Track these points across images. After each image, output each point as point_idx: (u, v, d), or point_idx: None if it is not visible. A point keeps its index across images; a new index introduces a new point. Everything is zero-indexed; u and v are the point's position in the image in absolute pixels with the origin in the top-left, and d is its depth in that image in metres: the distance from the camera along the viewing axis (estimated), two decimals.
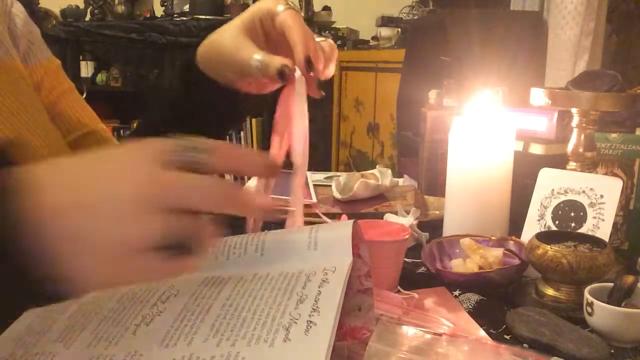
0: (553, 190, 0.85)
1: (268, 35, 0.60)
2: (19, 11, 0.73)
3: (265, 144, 3.21)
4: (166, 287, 0.47)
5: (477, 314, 0.69)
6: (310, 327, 0.41)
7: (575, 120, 0.86)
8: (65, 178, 0.36)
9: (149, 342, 0.42)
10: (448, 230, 0.94)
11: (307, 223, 0.56)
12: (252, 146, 3.24)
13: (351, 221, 0.49)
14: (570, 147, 0.87)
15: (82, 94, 0.80)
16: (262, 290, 0.45)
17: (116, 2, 3.37)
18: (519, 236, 0.86)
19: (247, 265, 0.49)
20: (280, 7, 0.58)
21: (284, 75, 0.56)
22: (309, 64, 0.56)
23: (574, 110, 0.86)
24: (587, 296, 0.65)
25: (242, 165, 0.42)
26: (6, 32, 0.70)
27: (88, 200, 0.35)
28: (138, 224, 0.35)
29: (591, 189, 0.82)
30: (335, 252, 0.48)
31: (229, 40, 0.60)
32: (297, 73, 0.56)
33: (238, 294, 0.45)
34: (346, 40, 3.25)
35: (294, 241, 0.50)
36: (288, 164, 0.58)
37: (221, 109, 0.66)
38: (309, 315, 0.42)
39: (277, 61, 0.56)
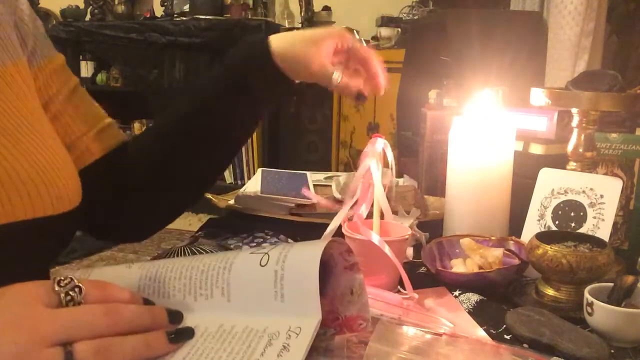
0: (553, 190, 0.85)
1: (342, 56, 0.74)
2: (23, 4, 0.68)
3: (265, 143, 3.21)
4: None
5: (477, 314, 0.69)
6: None
7: (575, 120, 0.86)
8: None
9: None
10: (448, 230, 0.94)
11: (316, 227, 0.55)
12: (252, 146, 3.24)
13: (318, 251, 0.47)
14: (570, 147, 0.87)
15: None
16: (220, 352, 0.44)
17: (116, 2, 3.37)
18: (519, 236, 0.86)
19: (213, 311, 0.48)
20: (361, 41, 0.75)
21: (360, 97, 0.73)
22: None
23: (574, 110, 0.85)
24: (587, 296, 0.65)
25: (117, 295, 0.47)
26: (14, 29, 0.65)
27: None
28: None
29: (591, 189, 0.82)
30: (303, 304, 0.46)
31: (305, 48, 0.70)
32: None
33: (197, 351, 0.45)
34: None
35: (261, 289, 0.48)
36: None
37: (278, 96, 0.78)
38: None
39: (355, 84, 0.73)
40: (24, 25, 0.67)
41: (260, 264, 0.49)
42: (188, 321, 0.48)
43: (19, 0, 0.67)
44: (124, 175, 0.74)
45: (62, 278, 0.45)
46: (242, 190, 1.15)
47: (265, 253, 0.49)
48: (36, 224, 0.54)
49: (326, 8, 3.31)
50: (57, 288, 0.44)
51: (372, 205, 0.73)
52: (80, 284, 0.45)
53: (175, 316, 0.48)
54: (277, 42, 0.71)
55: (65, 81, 0.71)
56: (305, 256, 0.48)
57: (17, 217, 0.53)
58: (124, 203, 0.75)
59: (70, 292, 0.44)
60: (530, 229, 0.85)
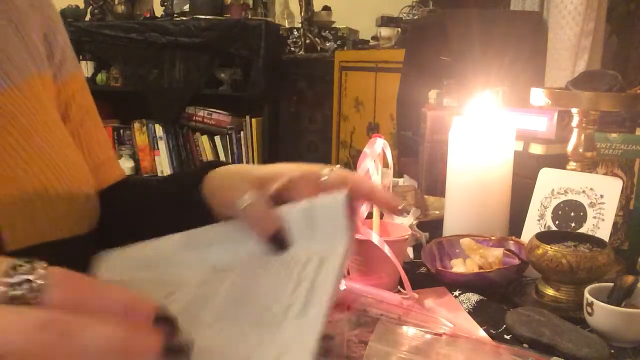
0: (553, 190, 0.85)
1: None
2: (55, 16, 0.64)
3: (265, 143, 3.21)
4: (171, 285, 0.48)
5: (477, 314, 0.69)
6: (305, 308, 0.42)
7: (575, 120, 0.86)
8: None
9: None
10: (448, 230, 0.94)
11: None
12: (252, 146, 3.24)
13: (343, 196, 0.48)
14: (570, 147, 0.87)
15: None
16: (264, 277, 0.46)
17: (116, 2, 3.37)
18: (519, 236, 0.86)
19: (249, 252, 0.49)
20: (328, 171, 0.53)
21: (279, 243, 0.51)
22: None
23: (574, 110, 0.85)
24: (587, 296, 0.65)
25: (92, 301, 0.32)
26: (43, 41, 0.61)
27: None
28: None
29: (591, 189, 0.82)
30: (332, 232, 0.47)
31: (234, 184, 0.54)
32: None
33: (243, 280, 0.46)
34: (346, 40, 3.25)
35: (290, 222, 0.49)
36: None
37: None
38: (306, 296, 0.42)
39: (272, 220, 0.51)
40: (54, 38, 0.63)
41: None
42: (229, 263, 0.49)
43: (51, 12, 0.64)
44: (110, 214, 0.65)
45: (22, 263, 0.31)
46: None
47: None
48: (62, 245, 0.53)
49: (326, 8, 3.31)
50: (5, 276, 0.30)
51: (372, 206, 0.73)
52: (43, 278, 0.30)
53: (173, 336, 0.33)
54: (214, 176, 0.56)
55: (82, 105, 0.67)
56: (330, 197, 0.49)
57: (44, 238, 0.51)
58: (113, 238, 0.64)
59: (21, 285, 0.30)
60: (530, 229, 0.85)
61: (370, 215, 0.75)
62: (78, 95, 0.66)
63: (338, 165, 0.53)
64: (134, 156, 3.34)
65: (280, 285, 0.45)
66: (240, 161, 3.28)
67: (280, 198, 0.51)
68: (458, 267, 0.80)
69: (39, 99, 0.57)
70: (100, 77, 3.34)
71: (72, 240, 0.55)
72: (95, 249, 0.54)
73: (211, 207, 0.54)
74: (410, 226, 0.87)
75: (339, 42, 3.21)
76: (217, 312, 0.44)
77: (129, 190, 0.70)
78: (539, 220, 0.85)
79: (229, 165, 0.56)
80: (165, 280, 0.48)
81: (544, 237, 0.74)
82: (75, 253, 0.51)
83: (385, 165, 0.75)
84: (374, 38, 3.15)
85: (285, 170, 0.52)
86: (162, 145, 3.31)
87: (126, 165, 3.28)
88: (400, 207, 0.53)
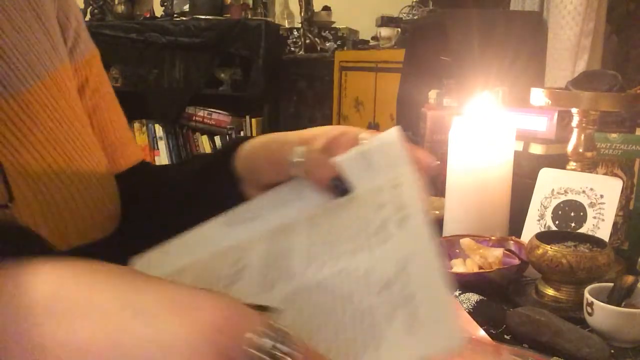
0: (553, 190, 0.85)
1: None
2: None
3: None
4: (239, 249, 0.45)
5: (477, 314, 0.69)
6: (403, 221, 0.39)
7: (575, 120, 0.86)
8: None
9: (246, 294, 0.39)
10: (448, 230, 0.94)
11: None
12: None
13: (396, 129, 0.47)
14: (570, 147, 0.87)
15: None
16: (340, 216, 0.44)
17: (116, 2, 3.37)
18: (519, 236, 0.86)
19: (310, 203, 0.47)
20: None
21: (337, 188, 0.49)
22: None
23: (574, 110, 0.85)
24: (587, 296, 0.65)
25: None
26: (55, 22, 0.57)
27: None
28: None
29: (591, 189, 0.82)
30: (394, 162, 0.46)
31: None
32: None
33: (319, 220, 0.44)
34: (346, 40, 3.25)
35: (349, 167, 0.47)
36: None
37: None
38: (397, 213, 0.40)
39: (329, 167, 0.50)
40: (66, 20, 0.59)
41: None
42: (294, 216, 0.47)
43: None
44: (129, 195, 0.63)
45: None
46: None
47: None
48: (86, 252, 0.51)
49: (326, 8, 3.31)
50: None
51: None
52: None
53: None
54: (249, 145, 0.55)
55: (97, 89, 0.63)
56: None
57: (70, 244, 0.50)
58: (134, 223, 0.62)
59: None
60: (530, 229, 0.85)
61: None
62: (92, 80, 0.63)
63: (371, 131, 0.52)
64: None
65: (362, 220, 0.42)
66: None
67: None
68: (458, 267, 0.80)
69: (63, 93, 0.55)
70: None
71: (97, 243, 0.54)
72: (122, 247, 0.53)
73: (243, 180, 0.53)
74: None
75: (339, 42, 3.20)
76: (307, 257, 0.41)
77: (149, 172, 0.68)
78: (539, 220, 0.85)
79: (260, 136, 0.55)
80: (222, 252, 0.45)
81: (544, 237, 0.74)
82: (102, 256, 0.51)
83: None
84: (374, 38, 3.15)
85: (324, 130, 0.52)
86: (162, 145, 3.31)
87: None
88: (434, 164, 0.50)
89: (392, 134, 0.47)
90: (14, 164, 0.48)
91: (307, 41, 3.13)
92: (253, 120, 3.18)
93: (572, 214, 0.82)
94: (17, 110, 0.49)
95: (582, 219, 0.81)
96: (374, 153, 0.47)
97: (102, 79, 0.64)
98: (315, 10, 3.28)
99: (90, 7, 3.38)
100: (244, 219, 0.48)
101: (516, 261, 0.79)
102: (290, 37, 3.14)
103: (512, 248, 0.83)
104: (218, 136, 3.26)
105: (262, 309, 0.32)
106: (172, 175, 0.66)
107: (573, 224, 0.82)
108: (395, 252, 0.38)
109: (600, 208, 0.80)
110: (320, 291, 0.38)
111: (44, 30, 0.55)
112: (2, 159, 0.47)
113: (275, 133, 0.54)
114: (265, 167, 0.52)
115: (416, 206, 0.40)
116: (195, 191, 0.58)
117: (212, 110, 3.23)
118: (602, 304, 0.63)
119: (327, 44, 3.17)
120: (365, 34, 3.34)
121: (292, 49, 3.14)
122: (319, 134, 0.51)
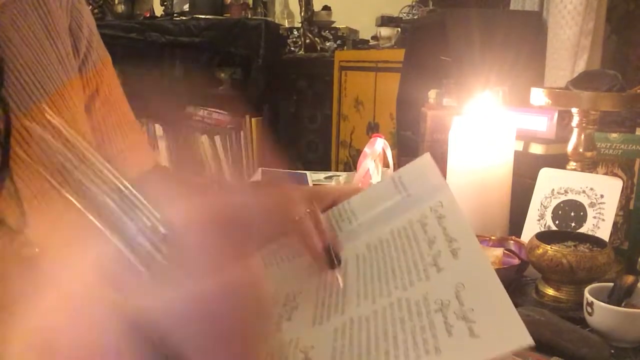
0: (553, 190, 0.85)
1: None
2: (80, 3, 0.58)
3: (265, 143, 3.21)
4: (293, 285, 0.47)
5: None
6: (456, 252, 0.41)
7: (575, 120, 0.86)
8: None
9: (299, 328, 0.42)
10: None
11: None
12: (252, 145, 3.24)
13: (427, 155, 0.48)
14: (570, 147, 0.87)
15: None
16: (389, 249, 0.45)
17: (116, 1, 3.37)
18: (519, 236, 0.86)
19: (355, 236, 0.48)
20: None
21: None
22: None
23: (574, 110, 0.85)
24: (587, 296, 0.65)
25: None
26: (68, 36, 0.57)
27: None
28: None
29: (591, 189, 0.82)
30: (430, 187, 0.47)
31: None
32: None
33: (365, 259, 0.45)
34: (346, 40, 3.25)
35: (381, 197, 0.48)
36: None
37: None
38: (448, 246, 0.42)
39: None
40: (78, 30, 0.58)
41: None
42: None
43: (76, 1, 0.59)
44: None
45: None
46: None
47: None
48: None
49: (326, 8, 3.31)
50: None
51: None
52: None
53: None
54: None
55: (107, 100, 0.63)
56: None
57: None
58: None
59: None
60: (530, 229, 0.85)
61: None
62: (102, 89, 0.62)
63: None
64: None
65: (413, 251, 0.43)
66: (240, 161, 3.28)
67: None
68: None
69: (70, 108, 0.55)
70: None
71: None
72: None
73: None
74: None
75: (338, 42, 3.20)
76: (357, 292, 0.43)
77: (161, 177, 0.67)
78: (539, 220, 0.85)
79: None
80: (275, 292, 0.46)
81: (544, 237, 0.74)
82: None
83: (386, 164, 0.75)
84: (374, 38, 3.15)
85: (330, 189, 0.52)
86: (162, 145, 3.31)
87: None
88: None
89: (425, 159, 0.49)
90: (30, 186, 0.48)
91: (307, 41, 3.13)
92: (253, 119, 3.18)
93: (572, 213, 0.82)
94: (28, 127, 0.49)
95: (582, 219, 0.81)
96: (410, 179, 0.48)
97: (113, 85, 0.64)
98: (315, 10, 3.28)
99: (90, 6, 3.38)
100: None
101: (516, 261, 0.79)
102: (290, 37, 3.15)
103: (512, 248, 0.83)
104: (218, 136, 3.26)
105: None
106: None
107: (573, 224, 0.82)
108: (452, 278, 0.40)
109: (600, 208, 0.80)
110: (371, 321, 0.40)
111: (52, 44, 0.55)
112: (16, 179, 0.47)
113: (282, 186, 0.54)
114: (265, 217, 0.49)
115: (465, 237, 0.42)
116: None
117: (212, 109, 3.23)
118: (602, 303, 0.63)
119: (327, 44, 3.18)
120: (365, 34, 3.35)
121: (292, 48, 3.14)
122: (324, 192, 0.51)
